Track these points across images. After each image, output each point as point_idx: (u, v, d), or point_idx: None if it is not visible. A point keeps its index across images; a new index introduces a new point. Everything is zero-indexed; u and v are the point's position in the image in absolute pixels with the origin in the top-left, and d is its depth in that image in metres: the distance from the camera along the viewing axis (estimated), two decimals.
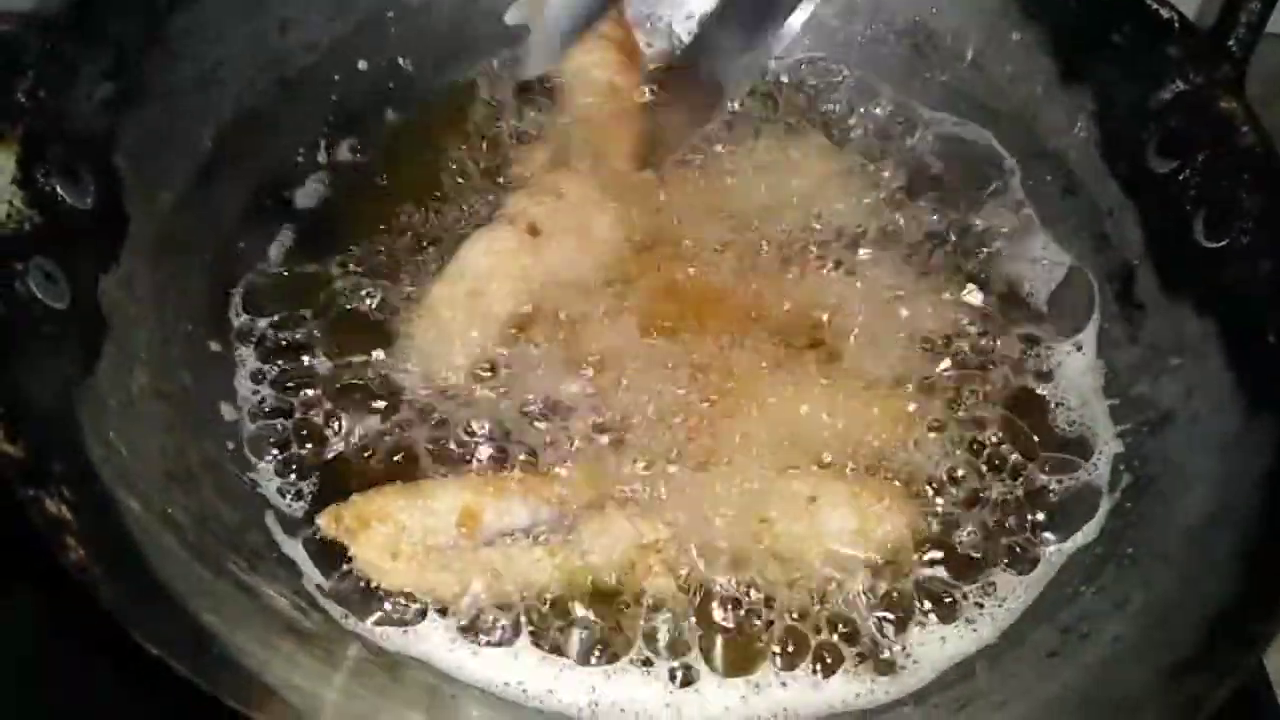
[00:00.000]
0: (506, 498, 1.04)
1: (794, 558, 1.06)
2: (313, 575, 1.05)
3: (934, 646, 1.06)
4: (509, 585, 1.03)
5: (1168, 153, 1.20)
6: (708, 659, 1.04)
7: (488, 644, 1.03)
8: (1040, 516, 1.14)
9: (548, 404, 1.15)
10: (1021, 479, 1.16)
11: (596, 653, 1.03)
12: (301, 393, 1.17)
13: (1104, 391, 1.22)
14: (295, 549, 1.06)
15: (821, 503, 1.07)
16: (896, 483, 1.12)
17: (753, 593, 1.06)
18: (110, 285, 1.06)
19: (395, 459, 1.13)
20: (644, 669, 1.03)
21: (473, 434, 1.14)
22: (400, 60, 1.41)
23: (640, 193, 1.30)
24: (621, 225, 1.26)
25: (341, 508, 1.05)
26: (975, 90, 1.41)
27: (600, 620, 1.05)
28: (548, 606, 1.05)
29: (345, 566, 1.05)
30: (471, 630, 1.03)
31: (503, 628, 1.03)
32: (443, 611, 1.04)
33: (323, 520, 1.05)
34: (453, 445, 1.13)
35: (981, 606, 1.08)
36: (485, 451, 1.13)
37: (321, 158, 1.34)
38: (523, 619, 1.04)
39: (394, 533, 1.02)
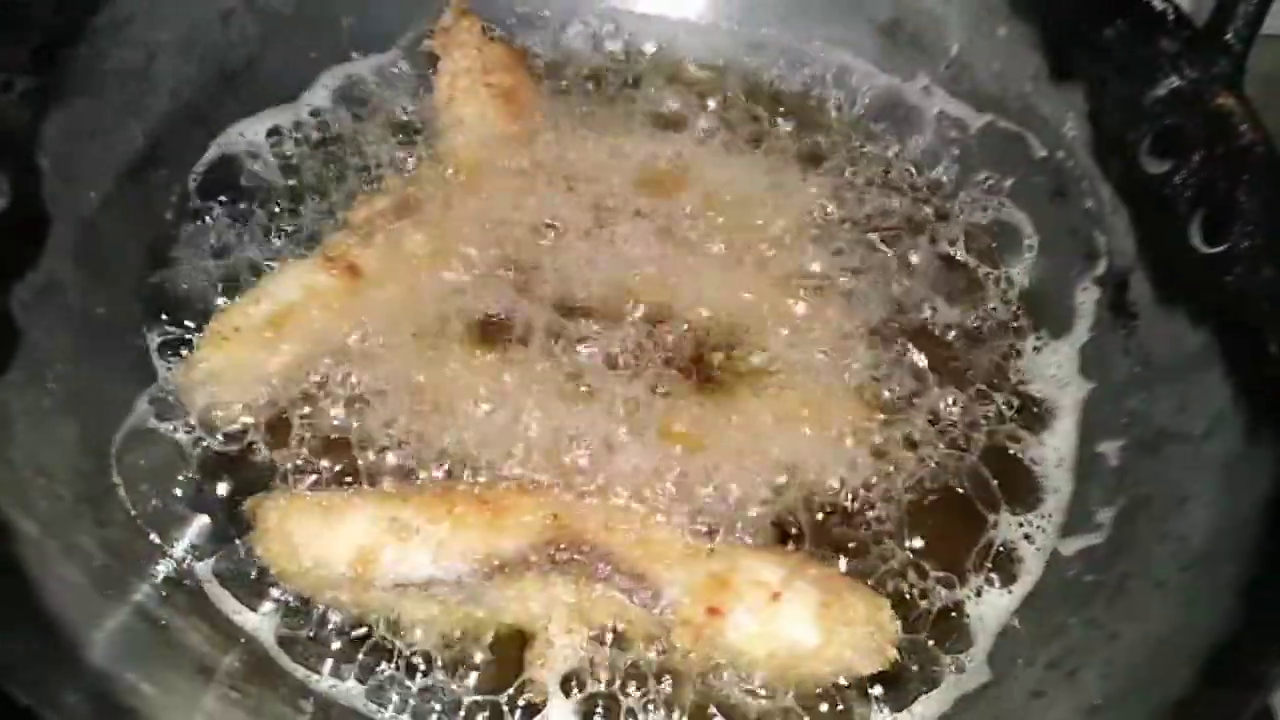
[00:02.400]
0: (414, 540, 0.93)
1: (738, 656, 0.94)
2: (232, 608, 0.97)
3: (910, 686, 0.98)
4: (400, 621, 0.96)
5: (1163, 152, 1.13)
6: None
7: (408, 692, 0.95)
8: (1025, 542, 1.07)
9: None
10: (1005, 498, 1.09)
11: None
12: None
13: (1094, 407, 1.14)
14: (211, 580, 0.98)
15: (785, 604, 0.93)
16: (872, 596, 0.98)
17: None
18: (25, 292, 0.99)
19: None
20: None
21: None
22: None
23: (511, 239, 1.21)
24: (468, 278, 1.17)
25: (267, 500, 0.97)
26: (960, 88, 1.34)
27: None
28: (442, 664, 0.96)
29: (269, 599, 0.98)
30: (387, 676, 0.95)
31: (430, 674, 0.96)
32: (375, 655, 0.96)
33: (249, 504, 0.98)
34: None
35: (961, 646, 1.01)
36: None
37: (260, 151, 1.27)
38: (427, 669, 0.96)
39: (297, 546, 0.93)
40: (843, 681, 0.95)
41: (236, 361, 1.06)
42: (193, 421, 1.06)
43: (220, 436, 1.06)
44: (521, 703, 0.94)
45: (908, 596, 1.02)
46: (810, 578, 0.95)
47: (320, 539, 0.93)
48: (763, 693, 0.95)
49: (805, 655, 0.93)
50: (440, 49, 1.30)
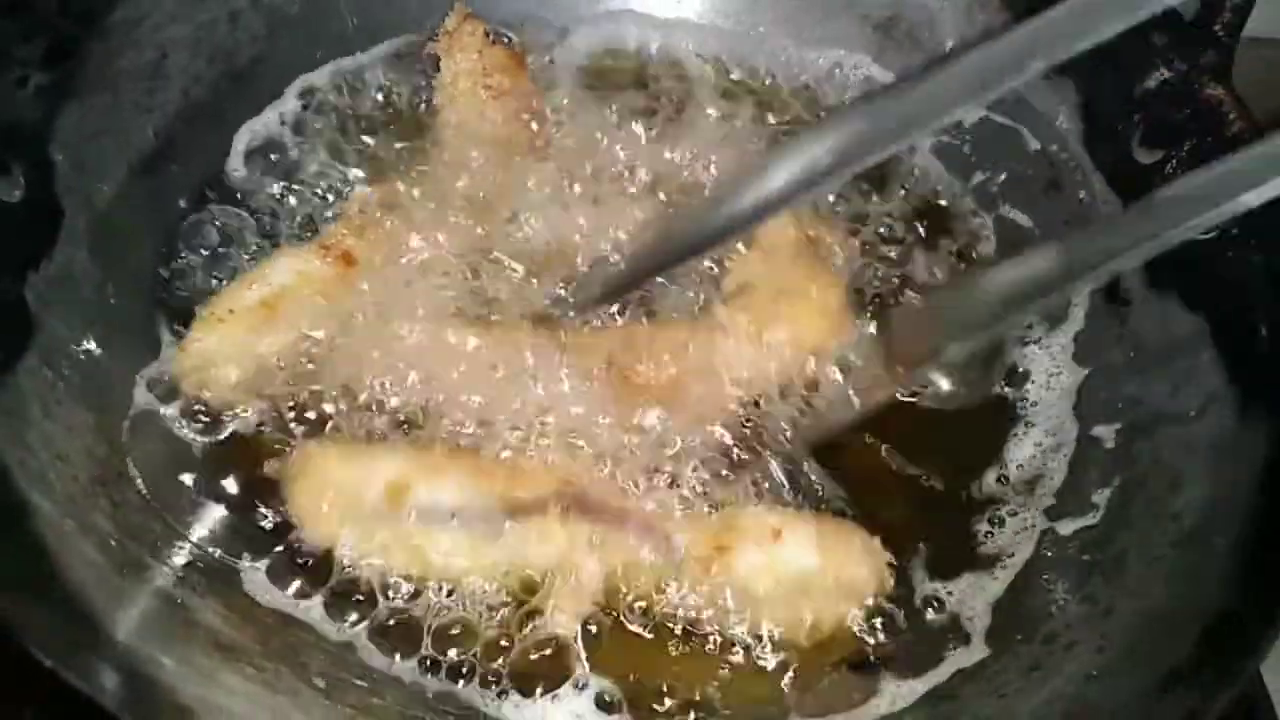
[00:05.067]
0: (441, 478, 0.98)
1: (746, 592, 0.98)
2: (248, 587, 0.98)
3: (911, 663, 1.00)
4: (425, 567, 0.98)
5: (1153, 143, 1.16)
6: (621, 681, 0.97)
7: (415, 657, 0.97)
8: (1023, 522, 1.08)
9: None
10: (1001, 481, 1.11)
11: (499, 662, 0.97)
12: None
13: (1089, 392, 1.16)
14: (224, 559, 1.00)
15: (787, 537, 0.99)
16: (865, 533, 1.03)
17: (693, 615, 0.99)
18: (40, 282, 1.01)
19: None
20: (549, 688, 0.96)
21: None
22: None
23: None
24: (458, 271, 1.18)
25: (300, 446, 1.02)
26: None
27: (508, 630, 0.98)
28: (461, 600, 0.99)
29: (285, 578, 0.99)
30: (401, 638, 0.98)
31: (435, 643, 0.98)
32: (383, 631, 0.98)
33: (270, 462, 1.02)
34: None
35: (959, 621, 1.02)
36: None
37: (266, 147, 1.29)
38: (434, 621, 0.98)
39: (327, 487, 0.98)
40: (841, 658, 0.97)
41: (231, 342, 1.08)
42: (190, 402, 1.07)
43: (218, 416, 1.07)
44: (543, 639, 0.97)
45: (906, 574, 1.04)
46: (808, 519, 1.02)
47: (348, 479, 0.98)
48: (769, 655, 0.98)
49: (809, 582, 0.98)
50: (443, 51, 1.31)
